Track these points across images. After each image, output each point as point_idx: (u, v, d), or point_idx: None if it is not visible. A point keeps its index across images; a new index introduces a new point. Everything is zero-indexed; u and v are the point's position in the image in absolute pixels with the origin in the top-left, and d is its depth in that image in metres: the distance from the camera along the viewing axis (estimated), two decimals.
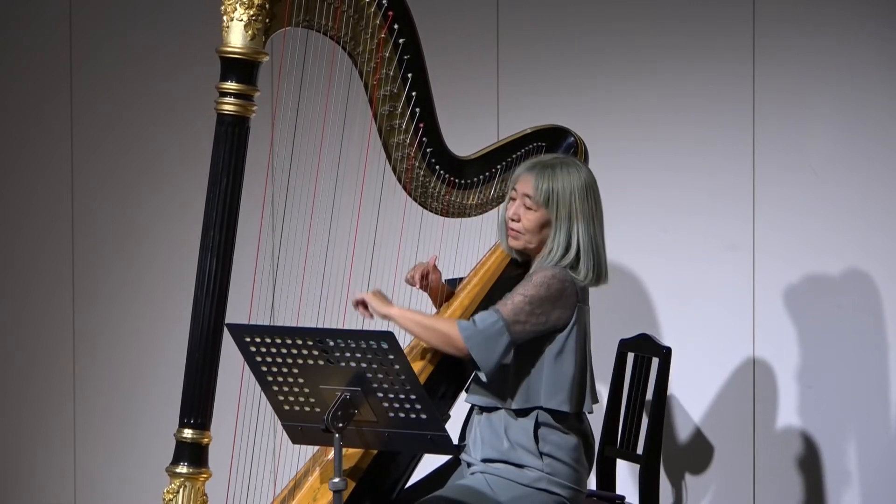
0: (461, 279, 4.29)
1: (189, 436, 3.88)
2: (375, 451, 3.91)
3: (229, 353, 3.91)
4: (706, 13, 5.25)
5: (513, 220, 3.98)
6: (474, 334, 3.85)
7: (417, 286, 4.19)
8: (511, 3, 5.46)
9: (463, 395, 4.06)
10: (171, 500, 3.88)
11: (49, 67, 5.97)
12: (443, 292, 4.26)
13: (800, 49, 5.16)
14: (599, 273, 3.95)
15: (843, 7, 5.11)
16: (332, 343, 3.51)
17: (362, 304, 4.02)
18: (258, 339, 3.59)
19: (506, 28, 5.47)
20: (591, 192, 3.98)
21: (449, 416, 3.96)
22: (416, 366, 3.90)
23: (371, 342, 3.48)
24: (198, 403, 3.88)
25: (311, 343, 3.53)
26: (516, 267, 4.11)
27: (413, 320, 3.93)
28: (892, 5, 5.08)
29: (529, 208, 3.96)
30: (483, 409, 3.97)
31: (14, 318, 6.06)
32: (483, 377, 3.92)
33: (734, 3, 5.21)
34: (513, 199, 3.99)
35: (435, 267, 4.21)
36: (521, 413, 3.91)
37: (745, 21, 5.20)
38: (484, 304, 4.09)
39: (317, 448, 4.03)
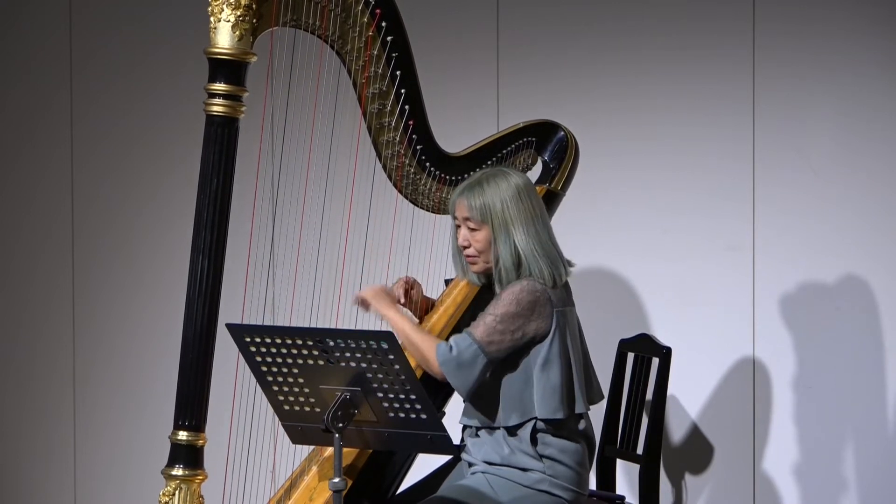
0: (452, 280, 4.29)
1: (184, 437, 3.88)
2: (371, 450, 3.91)
3: (224, 354, 3.91)
4: (706, 13, 5.25)
5: (465, 248, 3.98)
6: (449, 360, 3.85)
7: (402, 301, 4.18)
8: (511, 3, 5.46)
9: (457, 399, 4.07)
10: (167, 502, 3.88)
11: (49, 67, 5.97)
12: (424, 306, 4.25)
13: (800, 49, 5.16)
14: (558, 269, 3.93)
15: (844, 7, 5.11)
16: (332, 343, 3.51)
17: (363, 300, 4.04)
18: (258, 339, 3.59)
19: (506, 28, 5.47)
20: (523, 195, 3.92)
21: (444, 413, 3.97)
22: (412, 361, 3.89)
23: (371, 342, 3.48)
24: (192, 405, 3.87)
25: (311, 343, 3.53)
26: (488, 290, 4.08)
27: (403, 330, 3.94)
28: (892, 5, 5.07)
29: (474, 229, 3.94)
30: (480, 429, 3.97)
31: (14, 318, 6.06)
32: (462, 398, 3.93)
33: (734, 3, 5.21)
34: (458, 226, 3.98)
35: (415, 281, 4.20)
36: (518, 427, 3.92)
37: (745, 21, 5.20)
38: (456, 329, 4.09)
39: (311, 447, 4.03)
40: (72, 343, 6.00)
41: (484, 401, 3.92)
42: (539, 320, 3.88)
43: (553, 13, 5.42)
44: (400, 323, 3.96)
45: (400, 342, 3.87)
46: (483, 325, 3.87)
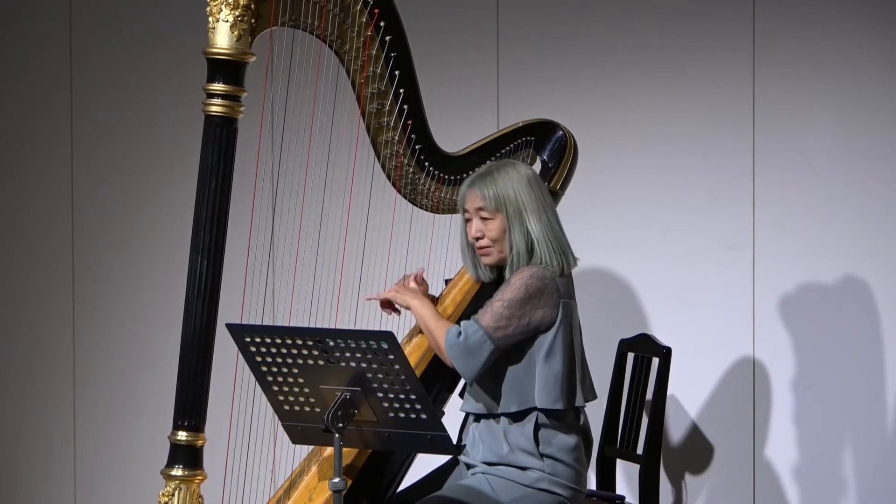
0: (452, 279, 4.29)
1: (183, 438, 3.88)
2: (370, 450, 3.91)
3: (223, 354, 3.91)
4: (706, 13, 5.25)
5: (478, 239, 3.98)
6: (456, 344, 3.87)
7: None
8: (511, 3, 5.46)
9: (456, 396, 4.07)
10: (166, 502, 3.88)
11: (49, 67, 5.97)
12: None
13: (800, 49, 5.16)
14: (567, 258, 3.95)
15: (844, 7, 5.11)
16: (332, 343, 3.51)
17: (387, 303, 4.06)
18: (258, 339, 3.59)
19: (506, 28, 5.47)
20: (533, 183, 3.96)
21: (443, 413, 3.97)
22: (411, 359, 3.90)
23: (371, 342, 3.48)
24: (191, 405, 3.87)
25: (311, 343, 3.53)
26: (492, 287, 4.08)
27: (422, 317, 4.00)
28: (892, 5, 5.08)
29: (487, 219, 3.96)
30: (480, 417, 3.97)
31: (14, 318, 6.06)
32: (467, 382, 3.94)
33: (734, 3, 5.21)
34: (468, 220, 3.99)
35: (423, 279, 4.20)
36: (519, 417, 3.92)
37: (745, 21, 5.20)
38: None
39: (311, 447, 4.03)
40: (72, 343, 6.00)
41: (485, 388, 3.93)
42: (546, 308, 3.89)
43: (553, 13, 5.42)
44: (420, 309, 4.00)
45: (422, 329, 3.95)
46: (490, 312, 3.88)
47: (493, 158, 4.27)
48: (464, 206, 3.99)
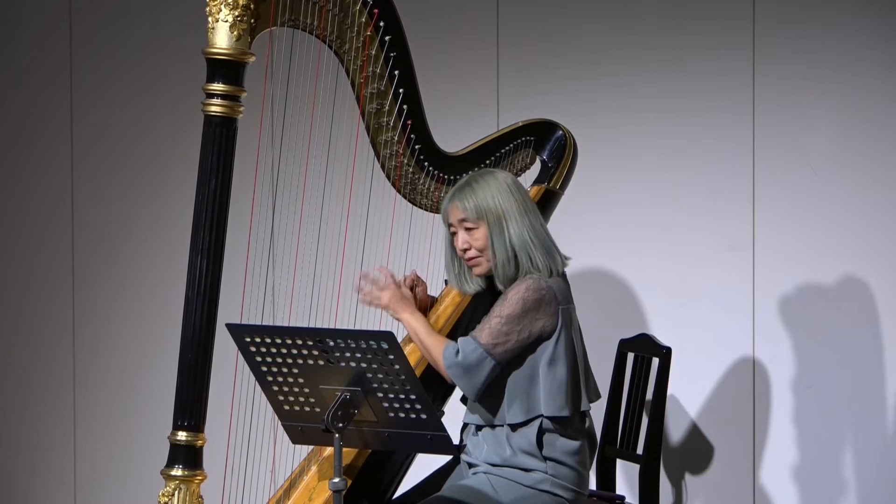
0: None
1: (183, 438, 3.88)
2: (370, 450, 3.91)
3: (223, 354, 3.91)
4: (706, 13, 5.25)
5: (465, 251, 3.97)
6: (454, 364, 3.86)
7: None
8: (511, 3, 5.46)
9: (456, 398, 4.07)
10: (166, 502, 3.88)
11: (49, 67, 5.97)
12: (427, 304, 4.25)
13: (800, 49, 5.16)
14: (554, 259, 3.94)
15: (844, 7, 5.11)
16: (332, 343, 3.51)
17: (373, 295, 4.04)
18: (258, 339, 3.59)
19: (506, 28, 5.47)
20: (512, 188, 3.95)
21: (443, 413, 3.96)
22: (411, 359, 3.89)
23: (371, 342, 3.48)
24: (191, 405, 3.88)
25: (311, 343, 3.53)
26: (485, 295, 4.07)
27: (416, 332, 3.98)
28: (892, 5, 5.08)
29: (471, 228, 3.95)
30: (482, 427, 3.97)
31: (14, 318, 6.06)
32: (471, 400, 3.94)
33: (734, 3, 5.21)
34: (454, 233, 3.99)
35: (419, 279, 4.19)
36: (523, 423, 3.91)
37: (745, 21, 5.20)
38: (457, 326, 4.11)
39: (311, 447, 4.03)
40: (72, 343, 6.00)
41: (489, 398, 3.92)
42: (545, 318, 3.89)
43: (553, 13, 5.42)
44: (414, 325, 3.98)
45: (416, 345, 3.94)
46: (488, 329, 3.87)
47: (492, 158, 4.27)
48: (447, 221, 3.99)
